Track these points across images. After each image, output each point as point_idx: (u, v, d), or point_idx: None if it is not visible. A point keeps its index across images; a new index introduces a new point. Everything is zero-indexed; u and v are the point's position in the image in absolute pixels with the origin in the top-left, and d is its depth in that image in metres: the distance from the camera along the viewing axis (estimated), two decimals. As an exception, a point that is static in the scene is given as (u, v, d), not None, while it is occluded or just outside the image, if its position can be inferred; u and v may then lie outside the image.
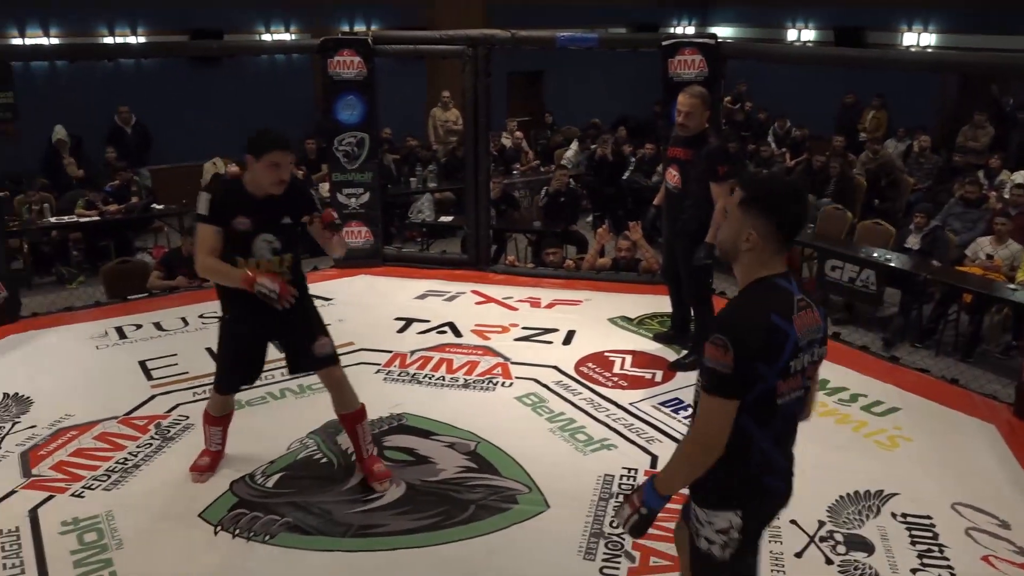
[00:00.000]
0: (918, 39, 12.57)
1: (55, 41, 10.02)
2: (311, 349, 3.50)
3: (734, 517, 2.10)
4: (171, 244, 8.35)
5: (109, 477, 3.75)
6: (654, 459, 3.90)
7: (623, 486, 3.68)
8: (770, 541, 3.31)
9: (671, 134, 4.81)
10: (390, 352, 5.08)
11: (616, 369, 4.89)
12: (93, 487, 3.67)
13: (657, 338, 5.25)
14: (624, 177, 9.79)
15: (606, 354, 5.08)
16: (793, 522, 3.42)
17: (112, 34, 10.35)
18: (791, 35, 14.16)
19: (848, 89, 11.65)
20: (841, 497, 3.61)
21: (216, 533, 3.37)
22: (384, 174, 8.24)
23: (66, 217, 8.03)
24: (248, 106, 9.89)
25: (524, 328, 5.49)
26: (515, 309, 5.88)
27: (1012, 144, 10.49)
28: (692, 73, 5.71)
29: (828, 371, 4.89)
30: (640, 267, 6.44)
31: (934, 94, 12.00)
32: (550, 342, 5.28)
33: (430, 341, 5.28)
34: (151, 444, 4.04)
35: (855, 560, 3.22)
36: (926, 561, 3.22)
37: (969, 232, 7.04)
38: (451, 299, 6.12)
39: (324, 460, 3.91)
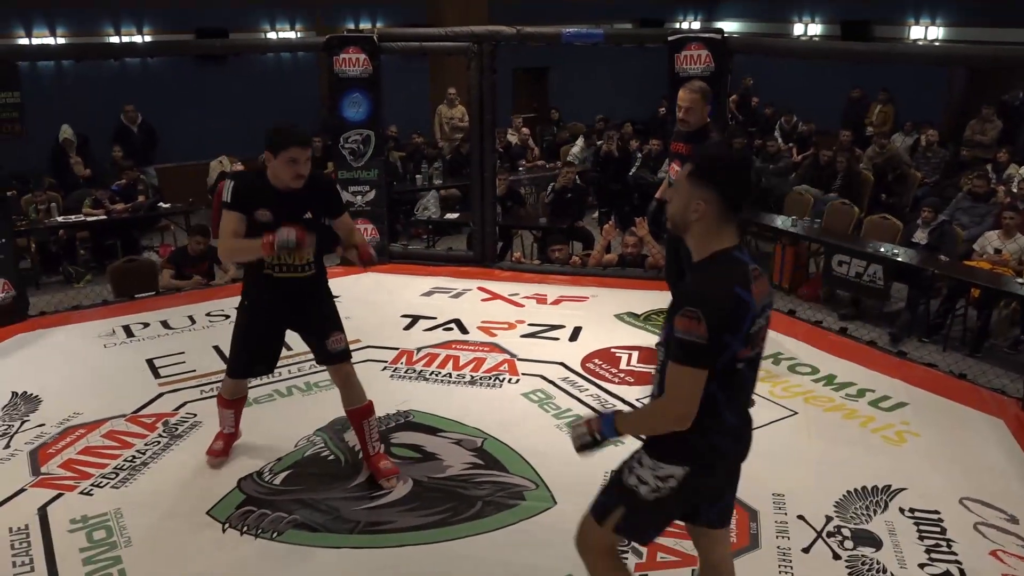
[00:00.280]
0: (925, 32, 12.50)
1: (61, 41, 10.05)
2: (325, 344, 3.53)
3: (678, 470, 2.21)
4: (178, 242, 8.37)
5: (117, 475, 3.77)
6: (661, 455, 3.90)
7: (630, 482, 3.68)
8: (777, 536, 3.31)
9: (673, 129, 4.80)
10: (397, 349, 5.09)
11: (623, 365, 4.88)
12: (102, 485, 3.69)
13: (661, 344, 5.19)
14: (630, 173, 9.77)
15: (612, 350, 5.08)
16: (800, 517, 3.42)
17: (118, 33, 10.37)
18: (797, 29, 14.10)
19: (855, 83, 11.60)
20: (848, 492, 3.60)
21: (224, 531, 3.38)
22: (390, 171, 8.23)
23: (73, 216, 8.05)
24: (254, 104, 9.89)
25: (530, 324, 5.49)
26: (521, 306, 5.88)
27: (1020, 138, 10.42)
28: (698, 68, 5.70)
29: (835, 366, 4.89)
30: (646, 263, 6.43)
31: (941, 88, 11.94)
32: (556, 338, 5.28)
33: (436, 338, 5.28)
34: (159, 442, 4.06)
35: (863, 555, 3.22)
36: (934, 556, 3.21)
37: (977, 226, 7.01)
38: (457, 296, 6.12)
39: (331, 457, 3.92)
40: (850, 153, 8.97)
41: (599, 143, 10.66)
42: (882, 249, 6.41)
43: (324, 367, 3.69)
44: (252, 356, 3.63)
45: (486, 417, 4.23)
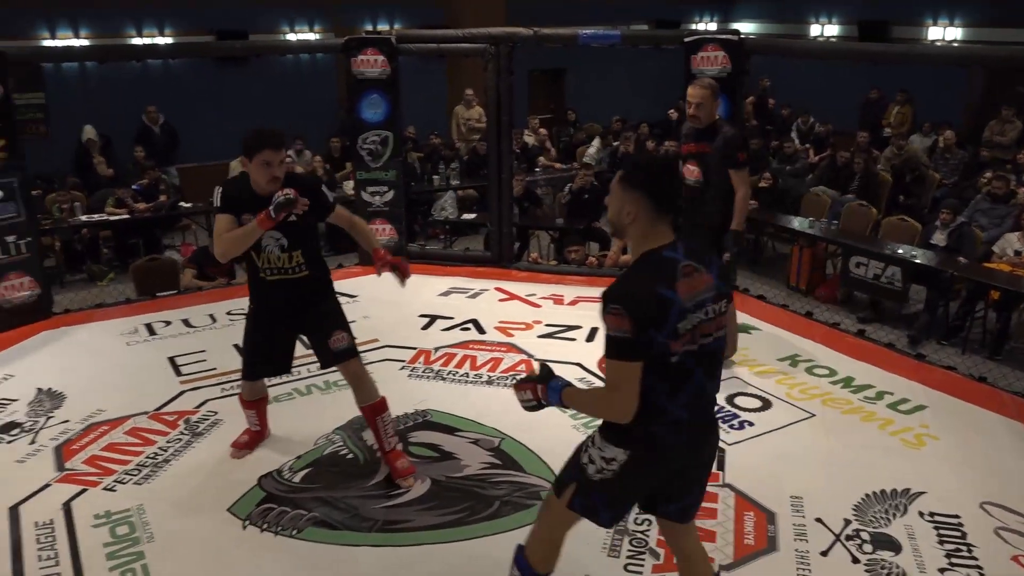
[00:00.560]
0: (944, 33, 12.41)
1: (85, 42, 10.18)
2: (327, 343, 3.57)
3: (620, 454, 2.32)
4: (199, 242, 8.46)
5: (140, 471, 3.82)
6: (678, 456, 3.91)
7: (647, 483, 3.68)
8: (795, 539, 3.31)
9: (683, 131, 4.78)
10: (414, 349, 5.12)
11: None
12: (124, 481, 3.74)
13: None
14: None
15: (629, 351, 5.08)
16: (819, 520, 3.42)
17: (140, 35, 10.50)
18: (814, 30, 14.04)
19: (872, 84, 11.53)
20: (867, 495, 3.60)
21: (244, 527, 3.42)
22: (408, 172, 8.28)
23: (96, 215, 8.17)
24: (273, 105, 9.99)
25: (547, 325, 5.51)
26: (538, 306, 5.90)
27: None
28: (715, 69, 5.70)
29: (853, 368, 4.87)
30: (663, 264, 6.42)
31: (960, 88, 11.85)
32: (573, 339, 5.30)
33: (454, 338, 5.31)
34: (180, 439, 4.11)
35: (882, 559, 3.21)
36: (954, 561, 3.20)
37: (996, 228, 6.95)
38: (474, 296, 6.15)
39: (350, 456, 3.96)
40: (867, 154, 8.92)
41: (615, 144, 10.67)
42: (900, 251, 6.38)
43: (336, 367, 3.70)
44: (258, 359, 3.70)
45: (503, 417, 4.25)
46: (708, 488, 3.58)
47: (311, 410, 4.39)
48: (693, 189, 4.63)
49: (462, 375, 4.79)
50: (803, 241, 7.33)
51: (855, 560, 3.21)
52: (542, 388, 2.43)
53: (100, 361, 5.09)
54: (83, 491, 3.66)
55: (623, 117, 12.04)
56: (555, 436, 4.09)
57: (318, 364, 3.68)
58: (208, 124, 10.13)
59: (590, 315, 5.67)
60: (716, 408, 2.46)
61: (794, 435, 4.13)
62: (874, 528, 3.39)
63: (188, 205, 8.75)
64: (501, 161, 6.63)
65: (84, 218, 8.11)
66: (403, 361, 4.96)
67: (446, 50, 6.95)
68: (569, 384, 2.42)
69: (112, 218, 8.15)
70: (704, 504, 3.47)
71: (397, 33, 7.03)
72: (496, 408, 4.36)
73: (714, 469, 3.73)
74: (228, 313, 5.75)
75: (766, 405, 4.43)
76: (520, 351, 5.09)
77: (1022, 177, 8.35)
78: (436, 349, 5.13)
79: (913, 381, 4.73)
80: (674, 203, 2.28)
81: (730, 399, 4.46)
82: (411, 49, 6.71)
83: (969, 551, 3.25)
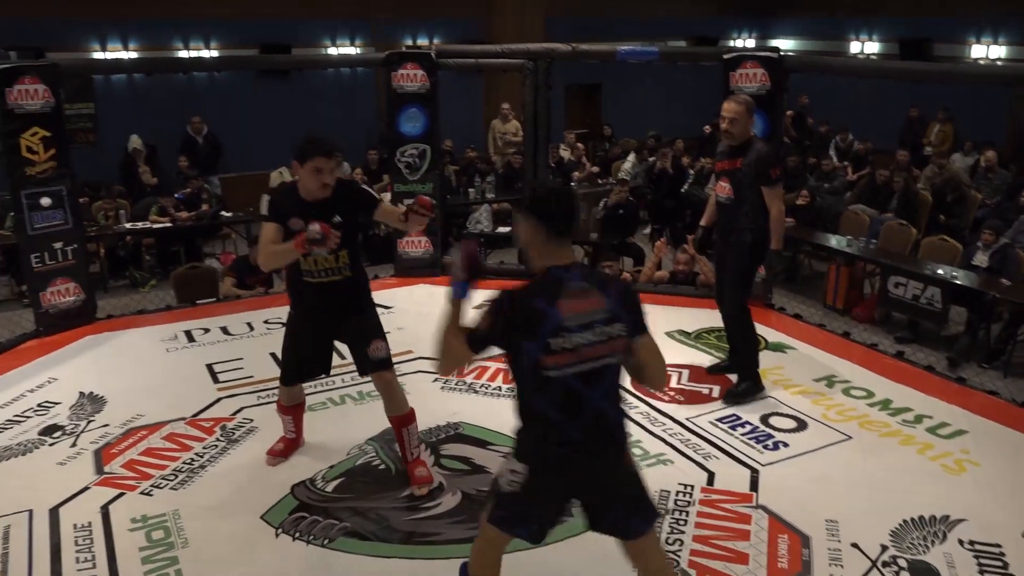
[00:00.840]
0: (987, 51, 12.20)
1: (134, 55, 10.44)
2: (366, 351, 3.62)
3: (521, 467, 2.44)
4: (239, 251, 8.59)
5: (176, 477, 3.89)
6: (711, 475, 3.87)
7: (679, 502, 3.66)
8: (830, 564, 3.26)
9: (718, 149, 4.70)
10: (447, 361, 5.13)
11: (673, 383, 4.86)
12: (161, 486, 3.81)
13: (712, 370, 5.01)
14: (683, 190, 9.73)
15: (663, 368, 5.05)
16: (855, 545, 3.36)
17: (187, 48, 10.75)
18: (854, 47, 13.89)
19: (913, 102, 11.38)
20: (905, 521, 3.53)
21: (277, 535, 3.46)
22: (444, 185, 8.35)
23: (140, 223, 8.34)
24: (314, 117, 10.14)
25: (580, 340, 5.49)
26: (571, 321, 5.88)
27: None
28: (754, 87, 5.67)
29: (891, 390, 4.79)
30: (698, 281, 6.40)
31: (1003, 107, 11.64)
32: (606, 355, 5.27)
33: (487, 351, 5.31)
34: (216, 446, 4.18)
35: (918, 586, 3.15)
36: (994, 590, 3.13)
37: (1042, 250, 6.81)
38: (508, 310, 6.14)
39: (382, 467, 3.98)
40: (907, 173, 8.80)
41: (651, 159, 10.65)
42: (940, 271, 6.28)
43: (368, 377, 3.75)
44: (297, 363, 3.77)
45: (535, 432, 4.24)
46: (741, 509, 3.57)
47: (345, 420, 4.43)
48: (725, 207, 4.54)
49: (495, 388, 4.80)
50: (840, 259, 7.24)
51: (891, 587, 3.15)
52: (459, 281, 2.50)
53: (140, 366, 5.19)
54: (121, 495, 3.73)
55: (658, 133, 12.02)
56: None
57: (352, 374, 3.73)
58: (250, 135, 10.32)
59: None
60: (625, 433, 2.51)
61: (830, 457, 4.07)
62: (912, 555, 3.32)
63: (229, 214, 8.91)
64: (537, 175, 6.66)
65: (128, 225, 8.29)
66: (436, 373, 4.97)
67: (485, 65, 7.00)
68: (455, 310, 2.50)
69: (155, 226, 8.32)
70: (737, 526, 3.47)
71: (437, 48, 7.11)
72: (528, 422, 4.35)
73: (747, 490, 3.74)
74: (265, 322, 5.84)
75: (801, 426, 4.37)
76: (553, 366, 5.08)
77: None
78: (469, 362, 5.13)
79: (953, 405, 4.64)
80: (568, 228, 2.41)
81: (764, 419, 4.41)
82: (450, 64, 6.78)
83: (1010, 581, 3.18)
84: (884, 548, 3.36)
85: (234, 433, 4.30)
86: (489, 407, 4.57)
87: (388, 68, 6.62)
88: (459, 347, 2.45)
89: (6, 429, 4.36)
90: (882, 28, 13.47)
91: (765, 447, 4.13)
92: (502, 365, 5.04)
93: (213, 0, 10.58)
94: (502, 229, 9.03)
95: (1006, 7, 11.68)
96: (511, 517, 2.51)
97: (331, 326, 3.68)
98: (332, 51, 11.63)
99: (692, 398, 4.67)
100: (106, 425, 4.38)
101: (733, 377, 4.81)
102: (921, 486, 3.81)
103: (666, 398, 4.67)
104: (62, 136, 5.60)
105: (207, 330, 5.75)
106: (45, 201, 5.50)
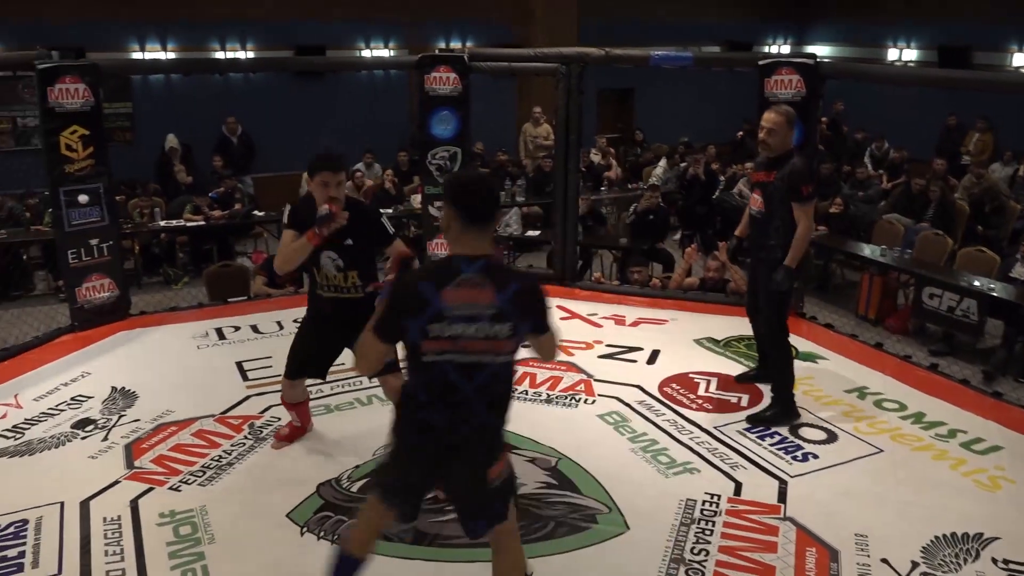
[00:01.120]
0: (1030, 60, 11.96)
1: (171, 55, 10.61)
2: None
3: (393, 440, 2.58)
4: (270, 250, 8.68)
5: (204, 473, 3.93)
6: (738, 485, 3.83)
7: (705, 512, 3.62)
8: (858, 578, 3.21)
9: (756, 159, 4.59)
10: (474, 364, 5.13)
11: (701, 391, 4.82)
12: (189, 482, 3.85)
13: (741, 379, 4.95)
14: (714, 196, 9.66)
15: (691, 375, 5.02)
16: (884, 561, 3.30)
17: (223, 49, 10.90)
18: (892, 54, 13.68)
19: (951, 110, 11.18)
20: (937, 538, 3.46)
21: (302, 534, 3.48)
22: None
23: (174, 221, 8.47)
24: (347, 118, 10.22)
25: (608, 345, 5.48)
26: (599, 326, 5.87)
27: None
28: (789, 93, 5.60)
29: (925, 403, 4.71)
30: (728, 288, 6.34)
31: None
32: (634, 360, 5.25)
33: (514, 355, 5.31)
34: (244, 443, 4.21)
35: (950, 605, 3.08)
36: (1028, 611, 3.06)
37: (1083, 264, 6.65)
38: (535, 314, 6.13)
39: (407, 468, 3.99)
40: (944, 182, 8.65)
41: (682, 164, 10.58)
42: (977, 283, 6.16)
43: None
44: (301, 361, 3.94)
45: (561, 437, 4.23)
46: (768, 520, 3.53)
47: (372, 420, 4.42)
48: (756, 220, 4.43)
49: (521, 392, 4.78)
50: (874, 269, 7.13)
51: (922, 605, 3.09)
52: (390, 279, 2.56)
53: (171, 363, 5.26)
54: (150, 489, 3.78)
55: (689, 139, 11.94)
56: (612, 458, 4.07)
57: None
58: (284, 136, 10.41)
59: (651, 336, 5.63)
60: (499, 440, 2.60)
61: (860, 470, 4.00)
62: (943, 572, 3.25)
63: (261, 214, 9.01)
64: (567, 179, 6.64)
65: (163, 223, 8.42)
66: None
67: (518, 69, 7.00)
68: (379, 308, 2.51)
69: (189, 224, 8.44)
70: (764, 537, 3.43)
71: (470, 51, 7.12)
72: (554, 427, 4.35)
73: (775, 501, 3.69)
74: (295, 320, 5.85)
75: (831, 438, 4.30)
76: (580, 370, 5.07)
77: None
78: (496, 365, 5.13)
79: (988, 420, 4.54)
80: (484, 218, 2.40)
81: (793, 430, 4.35)
82: (483, 67, 6.79)
83: (1045, 603, 3.10)
84: (915, 565, 3.29)
85: (262, 431, 4.34)
86: (515, 411, 4.47)
87: (421, 71, 6.65)
88: (369, 341, 2.45)
89: (40, 422, 4.44)
90: (921, 35, 13.24)
91: (794, 458, 4.07)
92: (529, 369, 5.05)
93: (250, 2, 10.73)
94: (531, 233, 9.02)
95: (1050, 15, 11.44)
96: (383, 485, 2.62)
97: (336, 337, 3.82)
98: (366, 53, 11.72)
99: (720, 407, 4.63)
100: (137, 420, 4.44)
101: (761, 386, 4.75)
102: (954, 502, 3.74)
103: (693, 406, 4.63)
104: (100, 135, 5.69)
105: (238, 328, 5.81)
106: (83, 198, 5.60)
